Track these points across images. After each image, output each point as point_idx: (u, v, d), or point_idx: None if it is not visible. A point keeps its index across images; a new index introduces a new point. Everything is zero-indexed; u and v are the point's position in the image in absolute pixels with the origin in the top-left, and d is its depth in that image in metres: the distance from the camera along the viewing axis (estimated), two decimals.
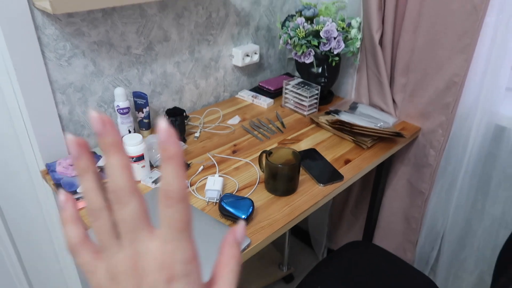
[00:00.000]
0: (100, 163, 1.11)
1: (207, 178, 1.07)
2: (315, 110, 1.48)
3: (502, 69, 1.16)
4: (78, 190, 1.01)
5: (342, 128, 1.30)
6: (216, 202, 1.01)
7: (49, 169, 1.09)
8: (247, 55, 1.54)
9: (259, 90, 1.62)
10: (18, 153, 1.15)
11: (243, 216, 0.94)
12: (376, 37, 1.35)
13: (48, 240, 1.33)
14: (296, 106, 1.49)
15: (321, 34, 1.35)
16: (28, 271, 1.32)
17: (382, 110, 1.47)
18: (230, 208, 0.95)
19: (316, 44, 1.37)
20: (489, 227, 1.39)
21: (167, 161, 0.23)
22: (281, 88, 1.52)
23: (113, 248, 0.25)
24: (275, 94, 1.58)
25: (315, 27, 1.37)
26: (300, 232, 2.07)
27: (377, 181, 1.54)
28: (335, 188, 1.10)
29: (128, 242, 0.24)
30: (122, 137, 1.08)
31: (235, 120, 1.41)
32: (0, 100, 1.06)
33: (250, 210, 0.96)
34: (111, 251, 0.25)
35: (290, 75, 1.74)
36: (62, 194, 0.26)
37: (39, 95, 1.05)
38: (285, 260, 1.81)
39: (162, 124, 0.23)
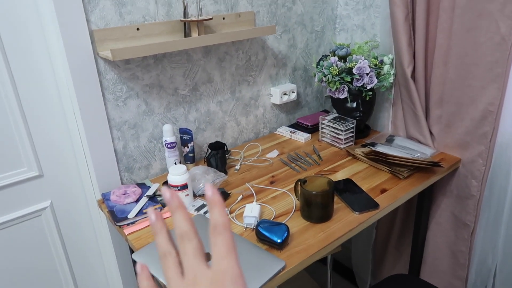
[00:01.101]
0: (150, 192, 1.22)
1: (245, 206, 1.13)
2: (351, 143, 1.52)
3: None
4: (128, 216, 1.11)
5: (377, 158, 1.33)
6: (253, 228, 1.07)
7: (104, 198, 1.21)
8: (285, 94, 1.63)
9: (297, 126, 1.69)
10: (78, 184, 1.30)
11: (278, 240, 0.98)
12: (408, 72, 1.39)
13: (100, 263, 1.44)
14: (332, 140, 1.54)
15: (354, 70, 1.43)
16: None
17: (419, 142, 1.48)
18: (266, 232, 1.00)
19: (349, 80, 1.44)
20: None
21: (213, 206, 0.33)
22: (318, 123, 1.59)
23: (177, 280, 0.32)
24: (313, 129, 1.64)
25: (348, 64, 1.45)
26: (344, 270, 2.04)
27: (419, 214, 1.52)
28: (370, 216, 1.12)
29: (190, 272, 0.32)
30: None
31: (273, 153, 1.48)
32: (66, 135, 1.22)
33: (285, 234, 1.00)
34: (176, 282, 0.32)
35: (327, 112, 1.81)
36: (139, 266, 0.36)
37: (98, 131, 1.19)
38: None
39: (208, 189, 0.33)
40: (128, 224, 1.10)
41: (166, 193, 0.34)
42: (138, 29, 1.18)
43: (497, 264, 1.40)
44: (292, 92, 1.66)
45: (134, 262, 1.21)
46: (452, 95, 1.34)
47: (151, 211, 0.35)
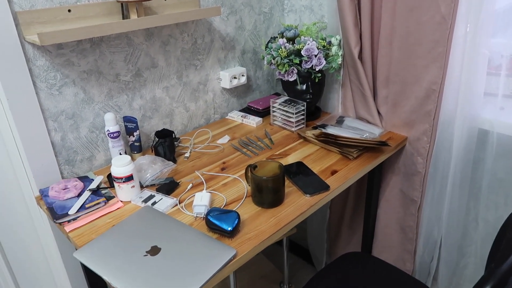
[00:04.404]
0: (93, 185, 1.15)
1: (195, 195, 1.10)
2: (302, 126, 1.51)
3: (477, 75, 1.20)
4: (69, 212, 1.04)
5: (327, 140, 1.33)
6: (203, 217, 1.04)
7: (43, 194, 1.13)
8: (235, 77, 1.59)
9: (248, 110, 1.66)
10: (13, 181, 1.20)
11: (228, 228, 0.96)
12: (355, 53, 1.40)
13: (45, 264, 1.35)
14: (284, 123, 1.53)
15: (302, 52, 1.41)
16: None
17: (368, 122, 1.50)
18: (216, 221, 0.98)
19: (298, 62, 1.43)
20: (485, 233, 1.39)
21: None
22: (269, 107, 1.57)
23: None
24: (264, 113, 1.62)
25: (297, 46, 1.43)
26: (300, 250, 2.07)
27: (369, 192, 1.56)
28: (321, 198, 1.12)
29: None
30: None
31: (224, 139, 1.45)
32: None
33: (236, 222, 0.98)
34: None
35: (278, 95, 1.79)
36: None
37: (31, 123, 1.10)
38: (286, 278, 1.81)
39: None
40: (69, 221, 1.03)
41: None
42: (69, 10, 1.09)
43: (442, 236, 1.47)
44: (242, 75, 1.63)
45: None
46: (397, 75, 1.36)
47: None
